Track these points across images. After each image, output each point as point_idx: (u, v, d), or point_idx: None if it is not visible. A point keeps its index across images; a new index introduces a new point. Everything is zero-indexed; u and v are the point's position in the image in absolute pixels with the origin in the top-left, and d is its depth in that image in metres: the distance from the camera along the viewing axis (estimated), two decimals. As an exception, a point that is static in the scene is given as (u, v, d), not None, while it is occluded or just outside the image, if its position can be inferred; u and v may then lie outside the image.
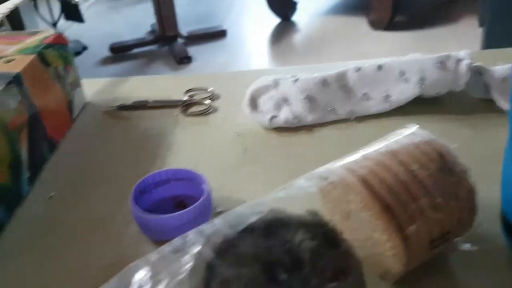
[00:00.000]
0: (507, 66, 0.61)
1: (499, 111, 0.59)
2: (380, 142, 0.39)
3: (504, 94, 0.59)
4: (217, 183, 0.50)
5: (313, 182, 0.37)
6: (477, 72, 0.60)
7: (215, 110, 0.68)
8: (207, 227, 0.35)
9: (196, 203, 0.46)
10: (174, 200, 0.52)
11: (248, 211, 0.35)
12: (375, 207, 0.35)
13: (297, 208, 0.36)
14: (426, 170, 0.37)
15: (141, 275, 0.32)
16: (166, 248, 0.34)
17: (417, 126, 0.40)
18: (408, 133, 0.40)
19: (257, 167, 0.56)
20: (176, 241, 0.34)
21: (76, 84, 0.68)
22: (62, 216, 0.51)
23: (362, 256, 0.39)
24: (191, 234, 0.35)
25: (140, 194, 0.50)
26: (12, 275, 0.45)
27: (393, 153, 0.37)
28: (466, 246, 0.41)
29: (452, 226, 0.37)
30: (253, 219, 0.35)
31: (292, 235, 0.34)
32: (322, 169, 0.38)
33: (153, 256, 0.34)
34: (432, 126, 0.44)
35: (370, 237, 0.37)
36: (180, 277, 0.32)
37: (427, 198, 0.36)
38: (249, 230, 0.35)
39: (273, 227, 0.35)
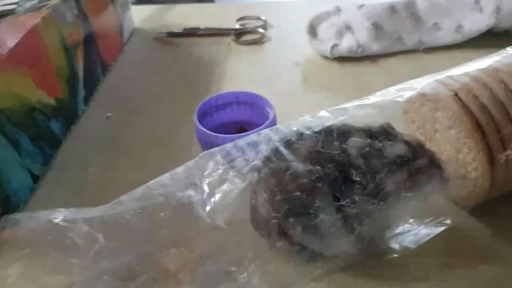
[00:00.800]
0: None
1: None
2: (480, 61, 0.36)
3: None
4: (278, 111, 0.48)
5: (401, 92, 0.35)
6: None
7: (268, 39, 0.65)
8: (282, 127, 0.34)
9: (264, 124, 0.43)
10: (235, 126, 0.50)
11: (325, 115, 0.34)
12: (465, 124, 0.33)
13: (380, 117, 0.34)
14: None
15: (217, 158, 0.32)
16: (242, 141, 0.33)
17: None
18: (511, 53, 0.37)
19: (319, 95, 0.53)
20: (252, 136, 0.34)
21: (126, 8, 0.66)
22: (120, 135, 0.49)
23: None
24: (267, 131, 0.33)
25: (202, 117, 0.48)
26: (71, 186, 0.43)
27: (493, 70, 0.34)
28: None
29: None
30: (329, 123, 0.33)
31: (370, 141, 0.32)
32: (412, 81, 0.36)
33: (229, 146, 0.33)
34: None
35: (453, 158, 0.35)
36: (254, 163, 0.32)
37: None
38: (327, 131, 0.33)
39: (351, 131, 0.33)
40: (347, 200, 0.30)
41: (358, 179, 0.31)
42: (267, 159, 0.32)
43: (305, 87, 0.55)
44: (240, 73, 0.58)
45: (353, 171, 0.31)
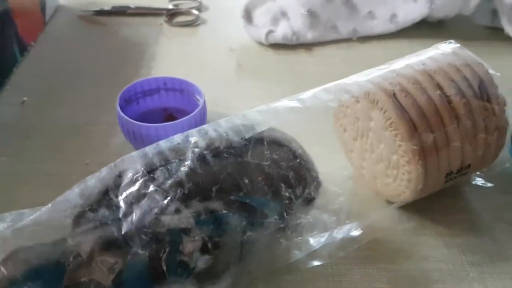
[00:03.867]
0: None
1: (506, 39, 0.56)
2: (414, 57, 0.35)
3: (513, 21, 0.56)
4: (209, 98, 0.46)
5: (334, 95, 0.33)
6: (486, -3, 0.57)
7: (203, 21, 0.63)
8: (211, 129, 0.31)
9: (192, 113, 0.42)
10: (162, 113, 0.47)
11: (257, 117, 0.32)
12: (402, 128, 0.32)
13: (312, 121, 0.33)
14: (462, 97, 0.33)
15: (137, 167, 0.29)
16: (165, 145, 0.30)
17: (457, 44, 0.36)
18: (447, 51, 0.35)
19: (253, 83, 0.52)
20: (176, 139, 0.31)
21: (48, -18, 0.61)
22: (36, 122, 0.46)
23: (372, 178, 0.37)
24: (194, 132, 0.31)
25: (126, 103, 0.45)
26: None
27: (430, 74, 0.33)
28: (480, 182, 0.39)
29: (474, 160, 0.35)
30: (260, 128, 0.31)
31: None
32: (346, 81, 0.34)
33: (151, 151, 0.30)
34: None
35: (384, 159, 0.35)
36: (176, 176, 0.28)
37: (457, 129, 0.33)
38: (257, 140, 0.31)
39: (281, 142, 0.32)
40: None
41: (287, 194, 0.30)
42: (192, 171, 0.29)
43: (238, 74, 0.53)
44: (171, 57, 0.56)
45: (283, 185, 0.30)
